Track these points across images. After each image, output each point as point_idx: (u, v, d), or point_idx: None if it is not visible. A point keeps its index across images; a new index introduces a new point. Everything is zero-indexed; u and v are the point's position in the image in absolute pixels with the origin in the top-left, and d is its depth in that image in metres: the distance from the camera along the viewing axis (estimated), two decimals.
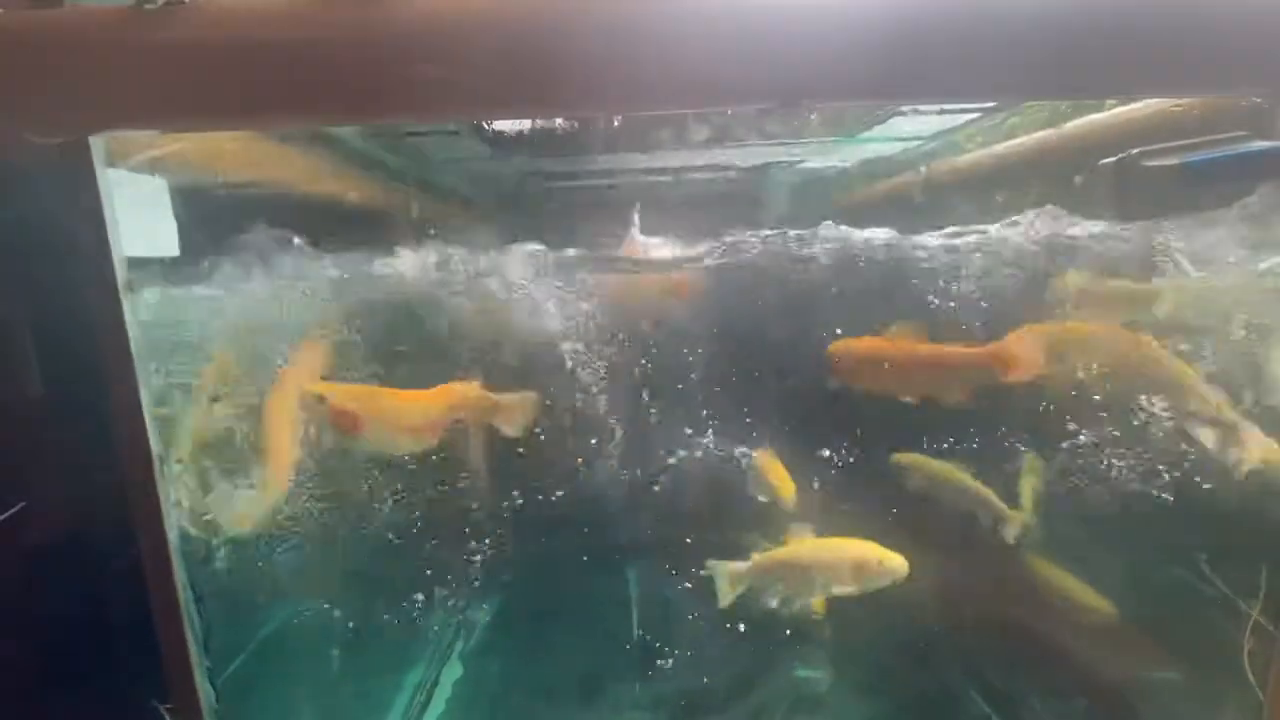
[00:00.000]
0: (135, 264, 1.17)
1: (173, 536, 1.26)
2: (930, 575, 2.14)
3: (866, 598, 1.97)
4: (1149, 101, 1.63)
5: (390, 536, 2.00)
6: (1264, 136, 1.24)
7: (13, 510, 1.56)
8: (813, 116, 2.99)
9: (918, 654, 2.44)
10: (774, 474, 2.11)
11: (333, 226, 1.94)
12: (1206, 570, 1.74)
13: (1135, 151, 1.22)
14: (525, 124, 2.18)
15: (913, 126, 2.40)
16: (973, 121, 2.32)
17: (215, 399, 1.52)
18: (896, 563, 1.81)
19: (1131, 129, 1.67)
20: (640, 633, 2.58)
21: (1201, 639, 1.75)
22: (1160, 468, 1.80)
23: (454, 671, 2.55)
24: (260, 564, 1.66)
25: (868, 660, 2.46)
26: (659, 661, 2.49)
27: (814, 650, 2.47)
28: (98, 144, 1.09)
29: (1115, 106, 1.81)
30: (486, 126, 2.19)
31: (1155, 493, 1.81)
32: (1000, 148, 2.37)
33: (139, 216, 1.21)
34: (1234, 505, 1.65)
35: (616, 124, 2.27)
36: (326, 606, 1.90)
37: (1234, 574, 1.66)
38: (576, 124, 2.20)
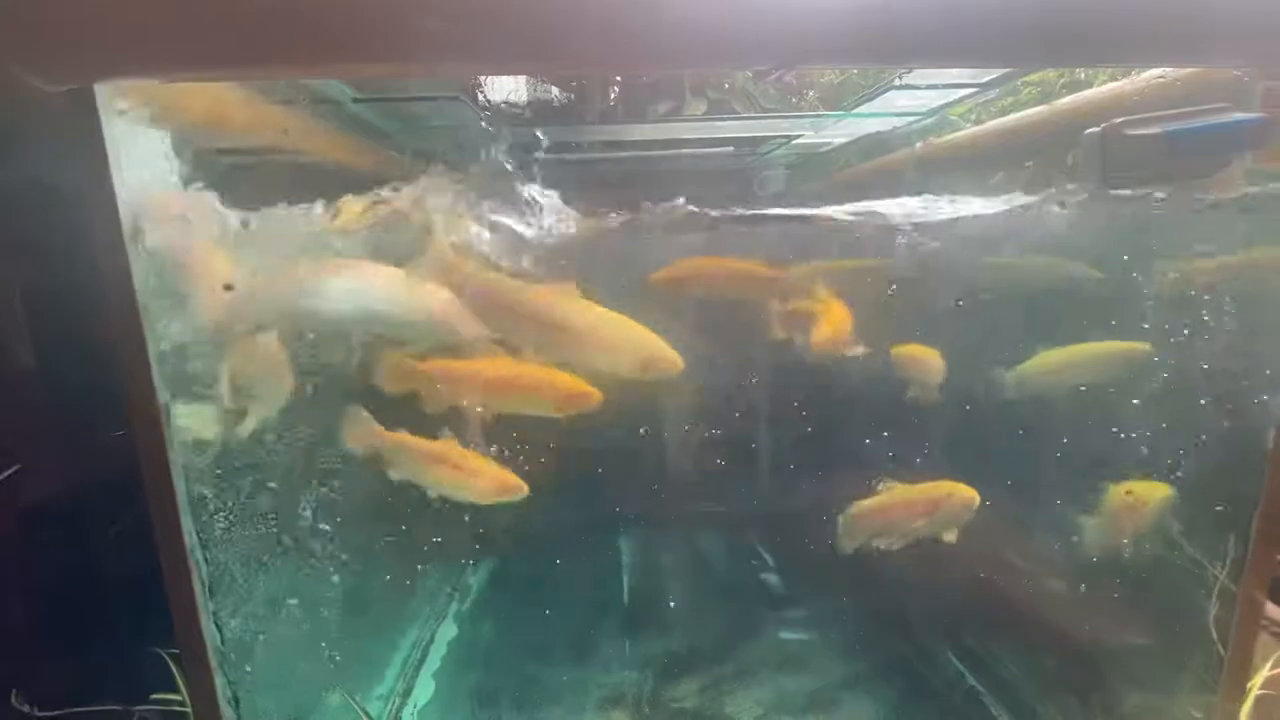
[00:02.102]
0: None
1: (179, 484, 1.29)
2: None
3: (849, 561, 2.07)
4: (1138, 76, 1.67)
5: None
6: (1244, 108, 1.28)
7: (10, 471, 1.58)
8: (810, 93, 3.00)
9: (895, 616, 2.53)
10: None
11: None
12: (1177, 534, 1.82)
13: (1118, 121, 1.26)
14: None
15: (907, 102, 2.41)
16: (967, 97, 2.34)
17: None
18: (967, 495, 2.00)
19: (1121, 104, 1.71)
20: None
21: (1167, 600, 1.83)
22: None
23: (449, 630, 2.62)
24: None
25: (848, 622, 2.55)
26: (649, 622, 2.57)
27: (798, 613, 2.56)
28: (103, 92, 1.10)
29: (1107, 82, 1.85)
30: None
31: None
32: (993, 124, 2.40)
33: (141, 169, 1.22)
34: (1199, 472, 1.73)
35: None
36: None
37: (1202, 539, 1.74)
38: None
